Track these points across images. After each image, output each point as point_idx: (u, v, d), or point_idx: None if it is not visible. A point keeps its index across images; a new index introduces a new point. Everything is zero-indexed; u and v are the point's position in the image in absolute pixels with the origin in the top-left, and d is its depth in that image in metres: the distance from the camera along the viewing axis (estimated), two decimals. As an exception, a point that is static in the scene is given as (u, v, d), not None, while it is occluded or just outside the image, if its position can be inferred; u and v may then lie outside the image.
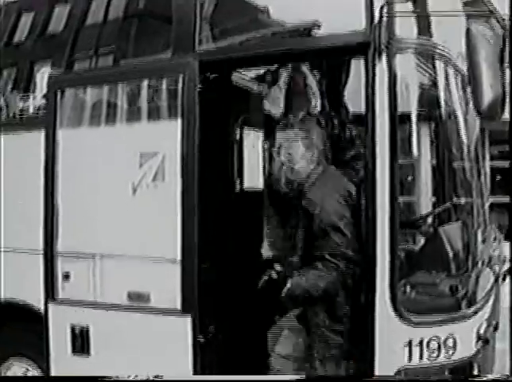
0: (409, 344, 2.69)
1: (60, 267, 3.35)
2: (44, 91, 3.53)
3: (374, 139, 2.71)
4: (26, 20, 4.16)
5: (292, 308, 3.27)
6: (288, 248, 3.37)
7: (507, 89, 2.66)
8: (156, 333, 3.05)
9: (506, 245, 3.98)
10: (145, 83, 3.19)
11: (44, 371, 3.55)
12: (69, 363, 3.31)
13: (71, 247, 3.33)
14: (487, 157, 4.66)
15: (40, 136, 3.40)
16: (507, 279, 3.72)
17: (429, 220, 3.72)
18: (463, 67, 2.88)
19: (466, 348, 2.82)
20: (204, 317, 3.00)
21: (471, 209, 3.30)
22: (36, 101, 3.67)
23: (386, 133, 2.69)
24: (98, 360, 3.23)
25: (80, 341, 3.24)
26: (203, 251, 3.01)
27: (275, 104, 3.71)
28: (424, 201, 4.28)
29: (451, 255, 3.08)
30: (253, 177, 3.61)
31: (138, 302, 3.11)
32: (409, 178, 4.40)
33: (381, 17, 2.63)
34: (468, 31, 2.60)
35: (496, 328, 3.25)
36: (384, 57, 2.68)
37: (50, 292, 3.35)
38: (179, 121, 3.01)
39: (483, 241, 3.40)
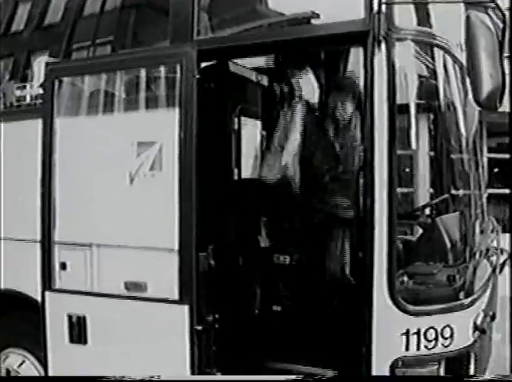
0: (407, 333, 2.70)
1: (57, 256, 3.34)
2: (42, 80, 3.50)
3: (372, 130, 2.70)
4: (24, 9, 4.14)
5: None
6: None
7: (507, 79, 2.66)
8: (153, 323, 3.04)
9: (503, 236, 3.99)
10: (143, 72, 3.18)
11: (41, 360, 3.55)
12: (66, 352, 3.31)
13: (68, 236, 3.32)
14: (485, 149, 4.66)
15: (37, 125, 3.38)
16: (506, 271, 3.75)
17: (427, 210, 3.73)
18: (463, 57, 2.88)
19: (463, 338, 2.83)
20: (201, 307, 3.00)
21: (468, 201, 3.32)
22: (33, 90, 3.65)
23: (385, 123, 2.68)
24: (95, 348, 3.23)
25: (77, 330, 3.24)
26: (201, 241, 3.00)
27: None
28: (422, 192, 4.30)
29: (448, 245, 3.10)
30: (250, 167, 3.60)
31: (135, 291, 3.10)
32: (407, 169, 4.42)
33: (380, 6, 2.62)
34: (468, 19, 2.59)
35: (493, 318, 3.26)
36: (383, 47, 2.66)
37: (47, 282, 3.34)
38: (176, 110, 2.99)
39: (481, 232, 3.42)
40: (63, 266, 3.33)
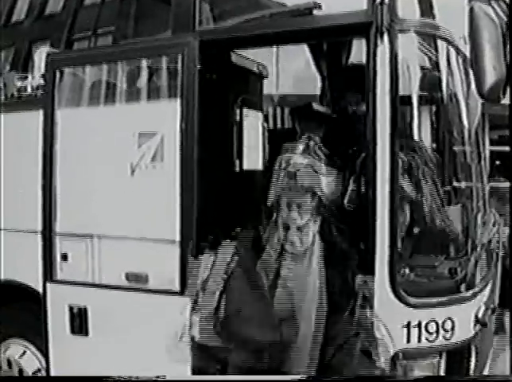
0: (408, 326, 2.70)
1: (59, 247, 3.34)
2: (43, 70, 3.49)
3: (374, 121, 2.69)
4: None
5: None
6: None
7: (510, 71, 2.64)
8: (153, 314, 3.04)
9: (505, 230, 3.98)
10: (145, 62, 3.17)
11: (42, 351, 3.56)
12: (67, 342, 3.31)
13: (70, 227, 3.32)
14: (487, 141, 4.64)
15: (38, 116, 3.37)
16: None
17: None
18: (466, 49, 2.86)
19: (464, 330, 2.83)
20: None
21: (470, 193, 3.30)
22: (34, 81, 3.64)
23: (387, 115, 2.67)
24: (96, 339, 3.24)
25: (78, 321, 3.24)
26: (202, 232, 3.00)
27: None
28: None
29: (450, 237, 3.08)
30: (252, 158, 3.59)
31: (136, 282, 3.10)
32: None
33: (383, -4, 2.60)
34: (471, 10, 2.57)
35: (494, 311, 3.26)
36: (386, 38, 2.65)
37: (48, 273, 3.35)
38: (178, 101, 2.99)
39: (483, 225, 3.40)
40: (64, 257, 3.34)
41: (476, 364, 3.04)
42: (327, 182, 3.25)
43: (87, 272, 3.26)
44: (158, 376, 2.97)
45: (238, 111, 3.44)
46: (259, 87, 3.80)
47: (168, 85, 3.08)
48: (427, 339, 2.73)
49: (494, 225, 3.81)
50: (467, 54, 2.82)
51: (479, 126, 3.61)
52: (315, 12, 2.93)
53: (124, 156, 3.11)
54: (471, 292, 2.88)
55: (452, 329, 2.76)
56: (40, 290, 3.39)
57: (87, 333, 3.26)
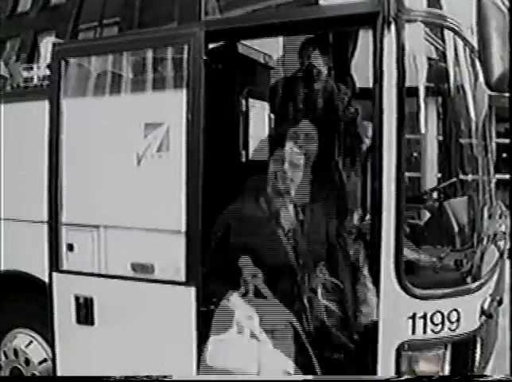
0: (413, 317, 2.70)
1: (65, 237, 3.35)
2: (48, 61, 3.48)
3: (381, 112, 2.68)
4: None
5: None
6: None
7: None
8: (159, 304, 3.05)
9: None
10: (151, 53, 3.16)
11: (48, 341, 3.58)
12: (73, 332, 3.33)
13: (76, 217, 3.32)
14: (494, 133, 4.62)
15: (44, 106, 3.37)
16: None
17: (435, 194, 3.71)
18: (473, 40, 2.84)
19: (469, 322, 2.83)
20: (208, 288, 3.01)
21: (477, 185, 3.29)
22: (40, 71, 3.64)
23: (394, 107, 2.66)
24: (102, 329, 3.25)
25: (84, 311, 3.25)
26: (208, 222, 3.00)
27: None
28: (430, 177, 4.27)
29: (456, 229, 3.08)
30: (258, 149, 3.59)
31: (142, 273, 3.11)
32: (416, 153, 4.39)
33: (389, -14, 2.58)
34: (479, 0, 2.55)
35: (500, 303, 3.26)
36: (392, 28, 2.63)
37: (54, 263, 3.35)
38: (184, 92, 2.97)
39: (489, 217, 3.39)
40: (70, 247, 3.34)
41: (481, 356, 3.04)
42: None
43: (93, 262, 3.26)
44: (165, 376, 2.98)
45: (244, 102, 3.43)
46: (265, 78, 3.79)
47: (174, 76, 3.07)
48: (432, 330, 2.73)
49: (500, 217, 3.81)
50: (475, 45, 2.80)
51: (486, 118, 3.60)
52: (321, 2, 2.92)
53: (130, 146, 3.10)
54: (476, 284, 2.88)
55: (458, 320, 2.76)
56: (46, 280, 3.39)
57: (92, 323, 3.26)
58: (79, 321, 3.29)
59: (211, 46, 3.09)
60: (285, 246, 3.02)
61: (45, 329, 3.51)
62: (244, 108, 3.43)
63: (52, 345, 3.45)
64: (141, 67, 3.19)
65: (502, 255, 3.52)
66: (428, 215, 3.47)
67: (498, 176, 4.11)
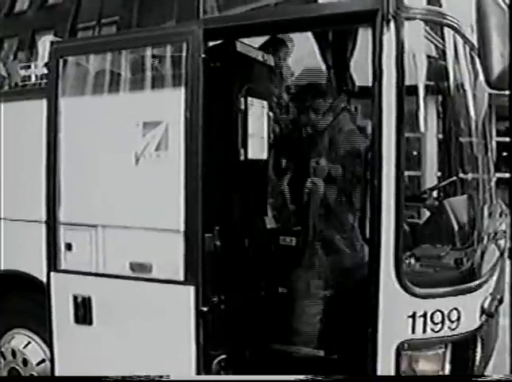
0: (413, 316, 2.68)
1: (63, 237, 3.33)
2: (46, 59, 3.47)
3: (380, 111, 2.67)
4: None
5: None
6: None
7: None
8: (158, 304, 3.04)
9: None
10: (149, 51, 3.15)
11: (46, 341, 3.56)
12: (71, 332, 3.31)
13: (74, 217, 3.31)
14: (494, 132, 4.62)
15: (42, 105, 3.36)
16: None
17: (435, 193, 3.70)
18: (473, 38, 2.83)
19: (470, 321, 2.81)
20: (207, 288, 2.99)
21: (477, 184, 3.28)
22: (38, 70, 3.63)
23: (393, 105, 2.64)
24: (100, 329, 3.23)
25: (83, 311, 3.24)
26: (207, 222, 2.99)
27: None
28: (430, 175, 4.27)
29: (456, 228, 3.07)
30: (257, 147, 3.57)
31: (140, 272, 3.09)
32: (416, 152, 4.38)
33: (388, -17, 2.57)
34: (479, -4, 2.54)
35: (500, 302, 3.24)
36: (392, 26, 2.62)
37: (52, 262, 3.34)
38: (182, 90, 2.96)
39: (489, 216, 3.39)
40: (68, 246, 3.32)
41: (482, 355, 3.03)
42: None
43: (92, 262, 3.24)
44: (161, 376, 2.97)
45: (242, 100, 3.42)
46: (264, 76, 3.77)
47: (172, 74, 3.06)
48: (432, 329, 2.72)
49: (500, 216, 3.80)
50: (475, 43, 2.79)
51: (486, 116, 3.59)
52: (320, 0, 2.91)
53: (128, 145, 3.09)
54: (477, 282, 2.86)
55: (458, 319, 2.75)
56: (44, 279, 3.38)
57: (91, 323, 3.25)
58: (77, 320, 3.28)
59: (209, 44, 3.07)
60: None
61: (43, 330, 3.50)
62: (243, 106, 3.41)
63: (50, 345, 3.43)
64: (140, 65, 3.18)
65: (502, 253, 3.51)
66: (427, 214, 3.46)
67: (498, 174, 4.11)
